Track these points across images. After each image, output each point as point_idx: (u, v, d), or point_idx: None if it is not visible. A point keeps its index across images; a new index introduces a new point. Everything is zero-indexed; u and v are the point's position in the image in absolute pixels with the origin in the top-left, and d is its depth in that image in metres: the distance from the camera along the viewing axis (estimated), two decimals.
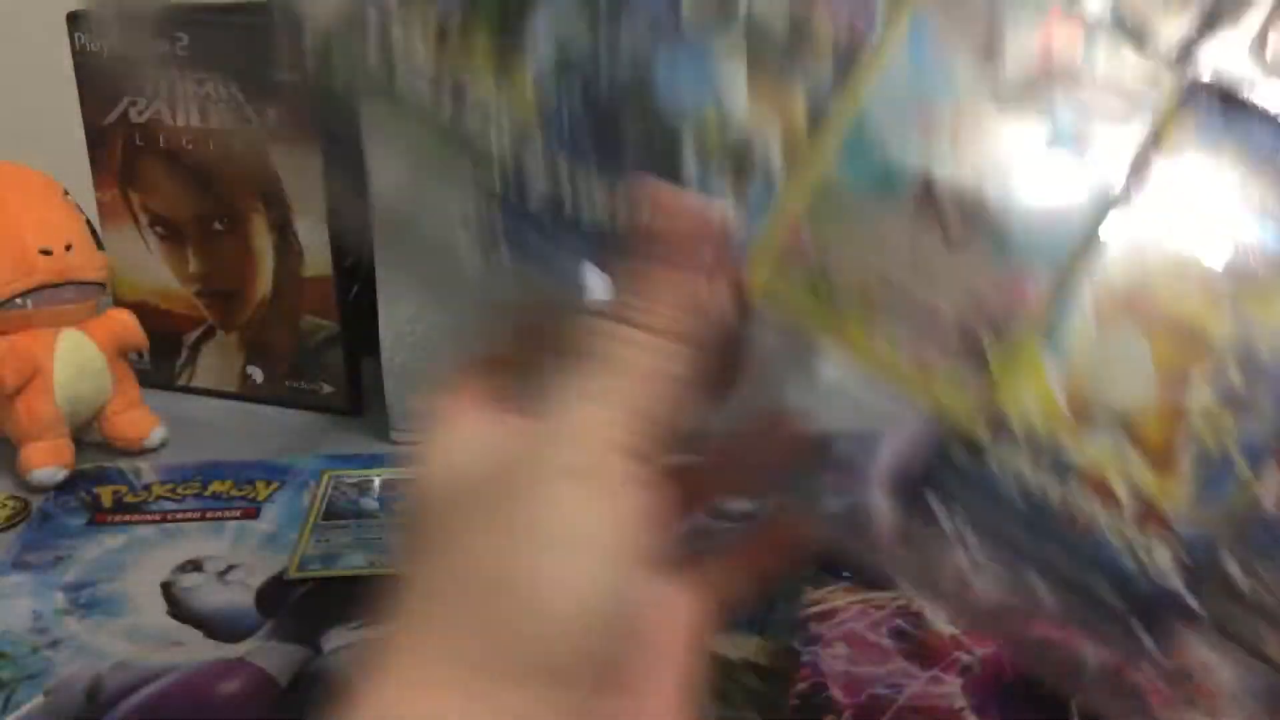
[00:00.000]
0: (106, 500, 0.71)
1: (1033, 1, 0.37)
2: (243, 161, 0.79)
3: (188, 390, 0.86)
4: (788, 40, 0.37)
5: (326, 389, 0.83)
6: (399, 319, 0.75)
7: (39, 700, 0.53)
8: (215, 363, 0.86)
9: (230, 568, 0.64)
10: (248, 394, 0.85)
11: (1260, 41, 0.36)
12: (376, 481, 0.73)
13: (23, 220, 0.73)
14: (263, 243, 0.81)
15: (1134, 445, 0.35)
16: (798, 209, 0.36)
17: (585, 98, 0.38)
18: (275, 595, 0.61)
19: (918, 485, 0.36)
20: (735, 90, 0.37)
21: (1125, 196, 0.36)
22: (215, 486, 0.71)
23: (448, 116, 0.38)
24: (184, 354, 0.86)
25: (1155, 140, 0.36)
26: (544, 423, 0.33)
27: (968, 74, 0.36)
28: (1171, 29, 0.36)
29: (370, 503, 0.71)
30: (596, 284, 0.38)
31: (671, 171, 0.37)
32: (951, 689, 0.55)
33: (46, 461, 0.73)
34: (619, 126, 0.37)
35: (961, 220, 0.36)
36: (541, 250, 0.38)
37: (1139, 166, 0.36)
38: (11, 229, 0.73)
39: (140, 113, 0.81)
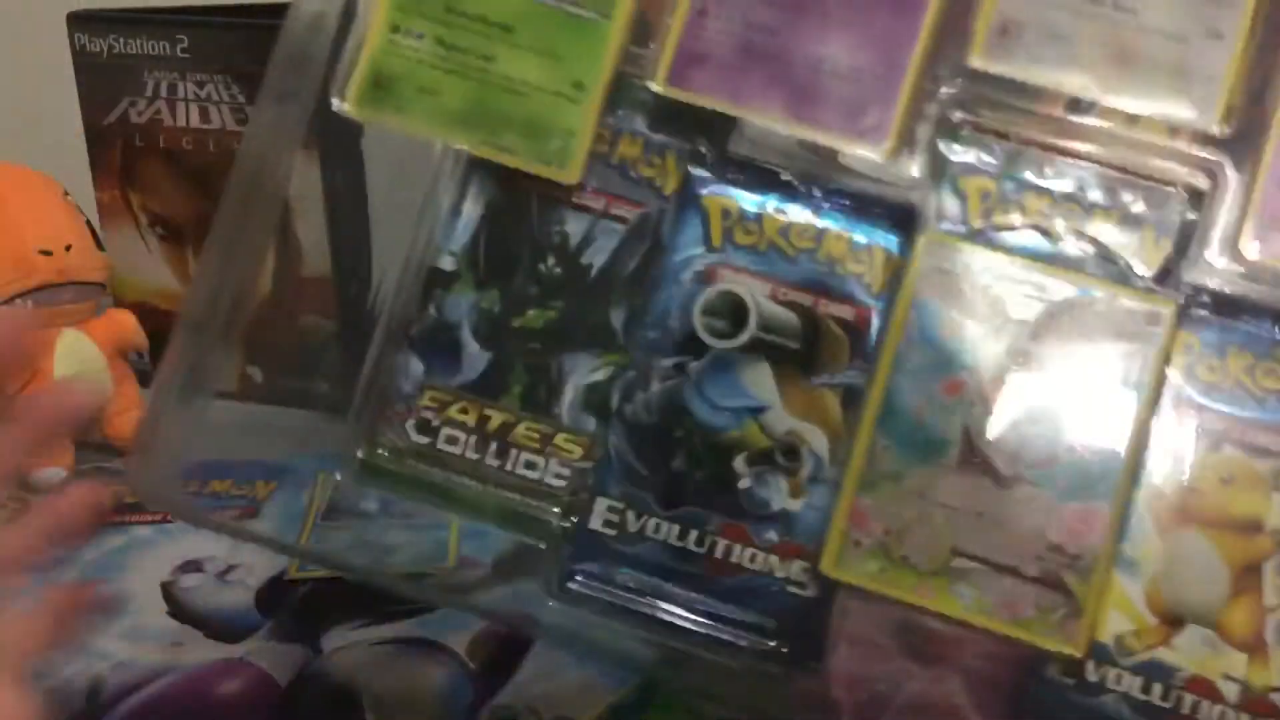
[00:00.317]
0: (107, 500, 0.70)
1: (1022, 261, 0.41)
2: None
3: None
4: (803, 342, 0.41)
5: (326, 389, 0.80)
6: None
7: (39, 700, 0.53)
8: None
9: (230, 568, 0.64)
10: (247, 394, 0.84)
11: (1233, 242, 0.40)
12: None
13: (23, 221, 0.73)
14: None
15: (1225, 639, 0.39)
16: (854, 491, 0.40)
17: (630, 435, 0.42)
18: (275, 595, 0.61)
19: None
20: (771, 400, 0.41)
21: (1150, 414, 0.40)
22: (215, 486, 0.70)
23: (495, 468, 0.42)
24: None
25: (1167, 361, 0.40)
26: None
27: (981, 337, 0.41)
28: (1153, 258, 0.41)
29: (369, 503, 0.70)
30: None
31: (727, 482, 0.41)
32: (953, 687, 0.56)
33: (46, 462, 0.71)
34: (667, 455, 0.42)
35: (1008, 463, 0.40)
36: (608, 571, 0.42)
37: (1156, 384, 0.40)
38: (11, 229, 0.72)
39: (140, 113, 0.80)
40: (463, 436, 0.42)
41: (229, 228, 0.43)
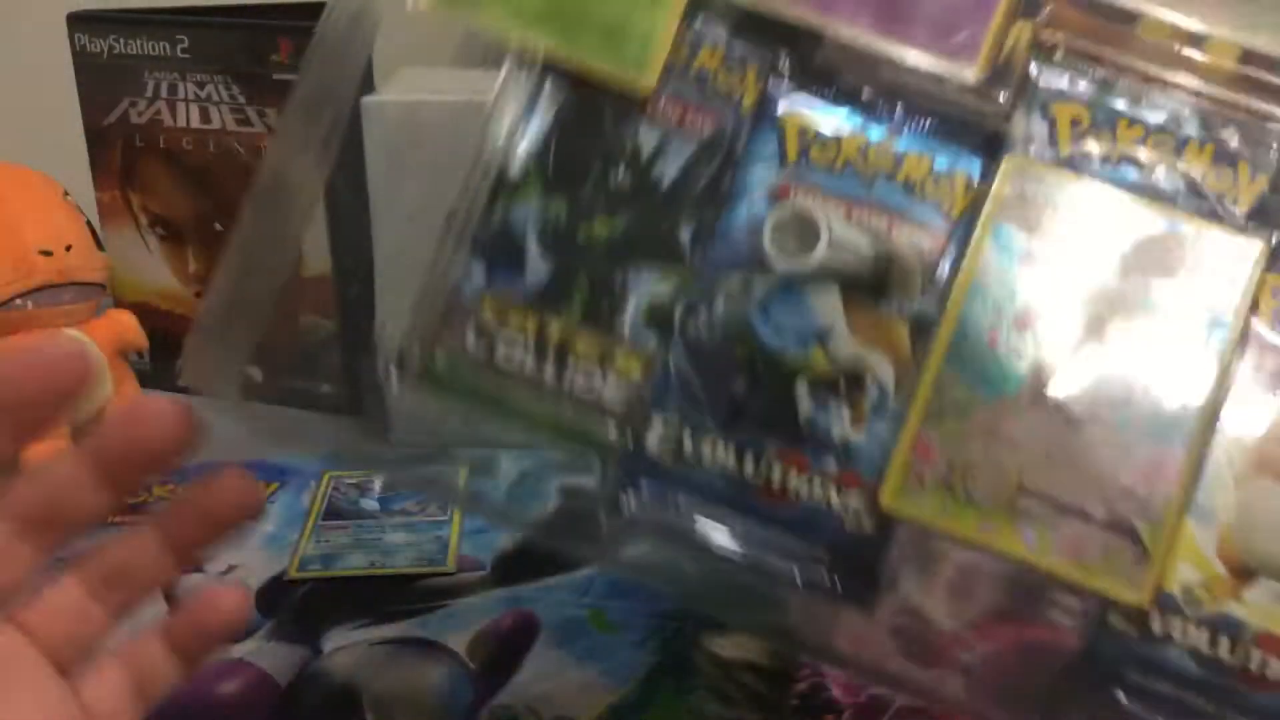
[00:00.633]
0: None
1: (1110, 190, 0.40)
2: (242, 161, 0.79)
3: (188, 390, 0.84)
4: (874, 267, 0.39)
5: (326, 389, 0.82)
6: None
7: None
8: None
9: (230, 568, 0.64)
10: (248, 394, 0.85)
11: None
12: (376, 482, 0.73)
13: (23, 221, 0.73)
14: None
15: None
16: (919, 424, 0.39)
17: (690, 354, 0.40)
18: (275, 595, 0.61)
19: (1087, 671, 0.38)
20: (837, 326, 0.40)
21: (1232, 358, 0.38)
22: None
23: (552, 381, 0.41)
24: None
25: (1253, 305, 0.39)
26: None
27: (1061, 270, 0.39)
28: (1246, 195, 0.39)
29: (370, 503, 0.71)
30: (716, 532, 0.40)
31: (787, 408, 0.40)
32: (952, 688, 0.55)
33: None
34: (727, 377, 0.40)
35: (1081, 401, 0.38)
36: (662, 493, 0.41)
37: (1241, 326, 0.39)
38: (12, 230, 0.72)
39: (140, 113, 0.80)
40: (521, 346, 0.42)
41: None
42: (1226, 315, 0.39)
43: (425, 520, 0.68)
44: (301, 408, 0.82)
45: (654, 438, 0.41)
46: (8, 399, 0.34)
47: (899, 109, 0.41)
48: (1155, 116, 0.40)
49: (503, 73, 0.43)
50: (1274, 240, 0.39)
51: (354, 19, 0.42)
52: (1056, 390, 0.39)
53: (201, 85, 0.78)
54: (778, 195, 0.41)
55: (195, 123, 0.79)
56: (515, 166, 0.43)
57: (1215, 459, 0.39)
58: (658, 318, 0.41)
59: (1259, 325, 0.39)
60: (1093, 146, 0.40)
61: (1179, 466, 0.38)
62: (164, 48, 0.78)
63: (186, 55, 0.78)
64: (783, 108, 0.42)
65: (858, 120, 0.42)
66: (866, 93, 0.42)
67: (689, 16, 0.42)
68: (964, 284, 0.40)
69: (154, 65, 0.79)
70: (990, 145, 0.41)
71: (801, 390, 0.40)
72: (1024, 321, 0.39)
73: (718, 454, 0.40)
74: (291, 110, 0.42)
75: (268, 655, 0.56)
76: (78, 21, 0.80)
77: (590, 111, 0.43)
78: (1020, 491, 0.39)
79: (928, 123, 0.41)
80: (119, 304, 0.83)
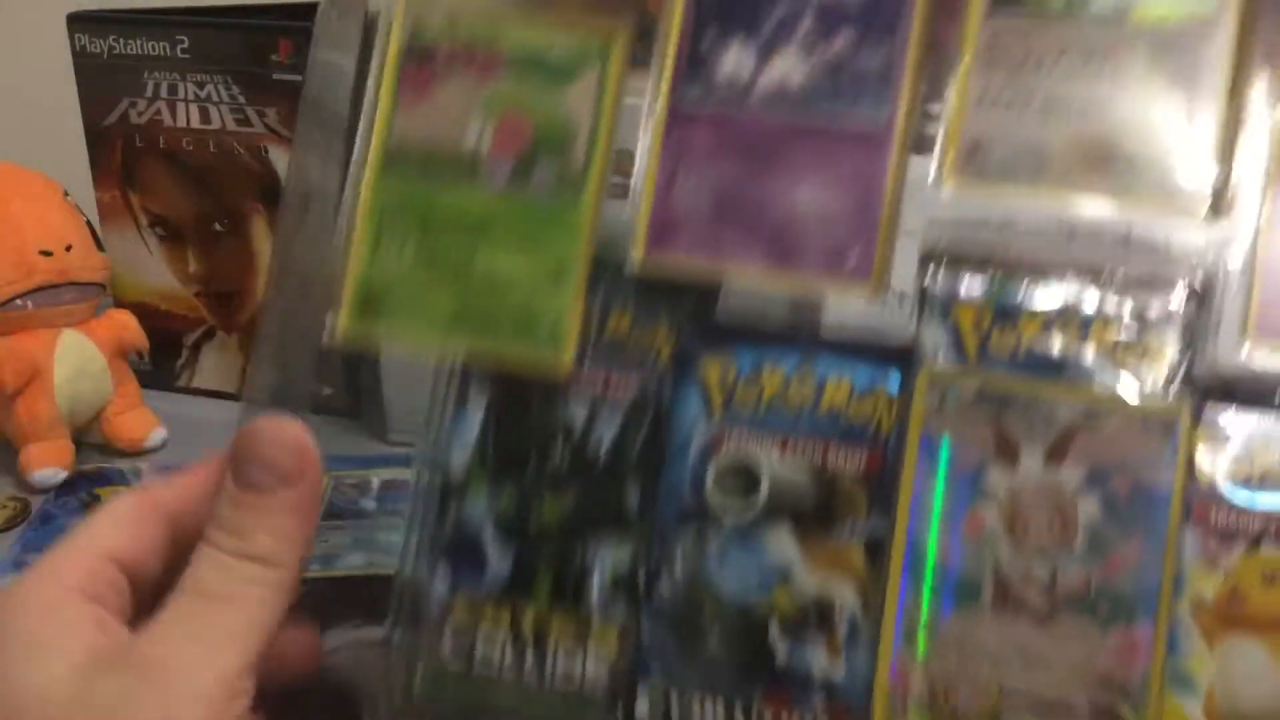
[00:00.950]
0: (107, 501, 0.70)
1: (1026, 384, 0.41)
2: (242, 162, 0.79)
3: (188, 391, 0.85)
4: (818, 497, 0.41)
5: (326, 389, 0.82)
6: None
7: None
8: (215, 363, 0.85)
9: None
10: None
11: (1244, 326, 0.39)
12: (375, 481, 0.72)
13: (23, 221, 0.73)
14: (263, 243, 0.80)
15: None
16: (891, 648, 0.40)
17: (661, 618, 0.42)
18: None
19: None
20: (795, 563, 0.41)
21: (1180, 523, 0.39)
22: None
23: (533, 674, 0.42)
24: (184, 354, 0.86)
25: (1189, 464, 0.39)
26: (147, 654, 0.33)
27: (997, 473, 0.40)
28: (1159, 362, 0.40)
29: (369, 503, 0.70)
30: None
31: (765, 653, 0.41)
32: None
33: (47, 462, 0.72)
34: (701, 634, 0.41)
35: (1043, 597, 0.39)
36: None
37: (1182, 492, 0.39)
38: (12, 230, 0.73)
39: (140, 113, 0.81)
40: (498, 643, 0.43)
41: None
42: (1167, 484, 0.39)
43: None
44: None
45: (643, 707, 0.42)
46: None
47: (807, 341, 0.42)
48: (1053, 302, 0.41)
49: (430, 385, 0.44)
50: (1198, 399, 0.40)
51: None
52: (1017, 591, 0.40)
53: (201, 85, 0.78)
54: (712, 448, 0.42)
55: (195, 123, 0.79)
56: (457, 467, 0.44)
57: (1184, 626, 0.39)
58: (623, 586, 0.43)
59: (1202, 484, 0.40)
60: (999, 343, 0.41)
61: (1150, 643, 0.39)
62: (164, 48, 0.78)
63: (186, 55, 0.78)
64: (699, 359, 0.43)
65: (772, 354, 0.43)
66: (774, 327, 0.43)
67: (591, 289, 0.43)
68: (905, 501, 0.41)
69: (154, 65, 0.79)
70: (902, 358, 0.42)
71: (774, 633, 0.41)
72: (973, 527, 0.40)
73: (707, 712, 0.41)
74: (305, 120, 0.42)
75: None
76: (78, 21, 0.81)
77: (518, 399, 0.44)
78: (1003, 696, 0.39)
79: (839, 348, 0.42)
80: (119, 304, 0.83)
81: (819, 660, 0.41)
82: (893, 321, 0.42)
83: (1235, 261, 0.40)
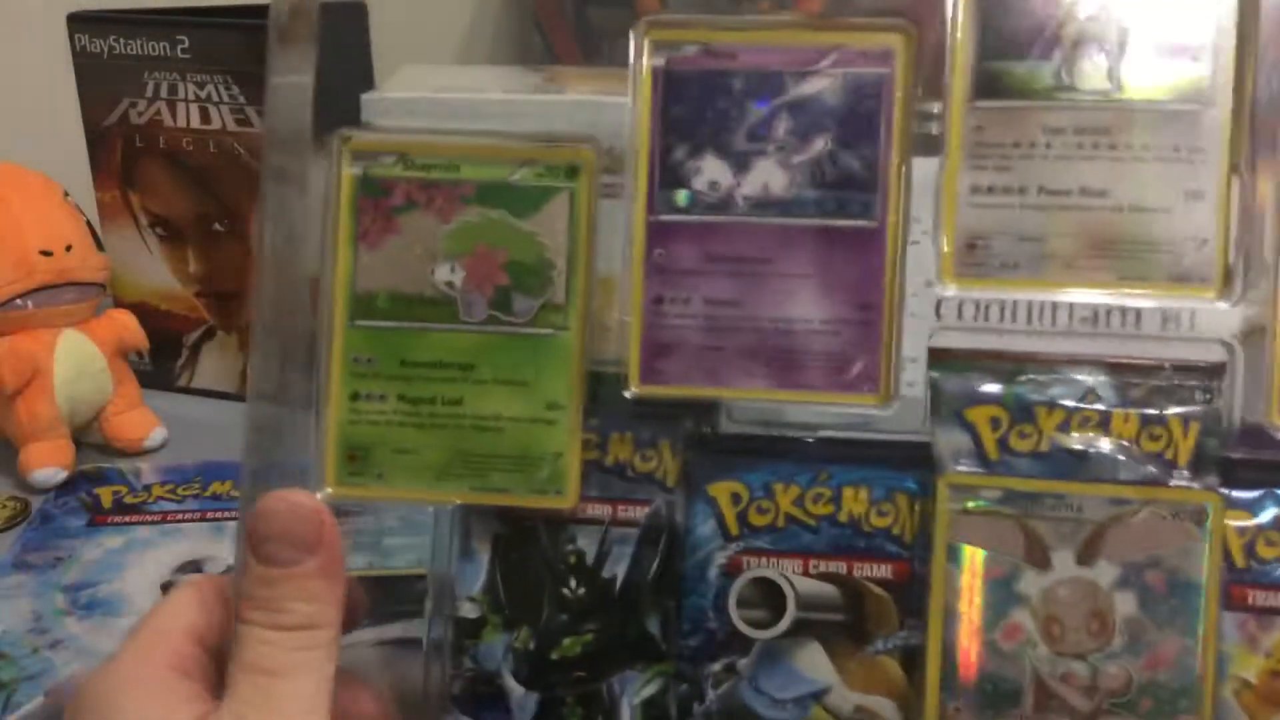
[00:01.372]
0: (106, 501, 0.69)
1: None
2: (242, 162, 0.78)
3: (188, 390, 0.85)
4: (847, 612, 0.40)
5: None
6: None
7: (39, 700, 0.53)
8: (215, 363, 0.85)
9: (231, 568, 0.64)
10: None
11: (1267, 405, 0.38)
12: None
13: (23, 221, 0.73)
14: None
15: None
16: None
17: None
18: None
19: None
20: (831, 681, 0.40)
21: (1216, 610, 0.39)
22: (215, 487, 0.70)
23: None
24: (184, 354, 0.86)
25: (1222, 551, 0.39)
26: None
27: (1030, 577, 0.39)
28: (1185, 448, 0.39)
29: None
30: None
31: None
32: None
33: (46, 462, 0.72)
34: None
35: (1085, 698, 0.38)
36: None
37: (1216, 580, 0.39)
38: (12, 230, 0.72)
39: (140, 113, 0.80)
40: None
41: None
42: (1200, 574, 0.39)
43: (425, 519, 0.68)
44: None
45: None
46: None
47: (820, 450, 0.41)
48: (1071, 395, 0.39)
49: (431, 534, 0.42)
50: (1223, 483, 0.39)
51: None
52: (1059, 695, 0.39)
53: (201, 85, 0.78)
54: (731, 569, 0.41)
55: (195, 123, 0.79)
56: (469, 609, 0.43)
57: (1229, 710, 0.39)
58: (655, 717, 0.41)
59: (1236, 566, 0.39)
60: (1019, 442, 0.40)
61: None
62: (164, 48, 0.78)
63: (186, 55, 0.78)
64: (709, 481, 0.41)
65: (784, 472, 0.41)
66: (783, 444, 0.41)
67: (587, 419, 0.41)
68: (936, 611, 0.40)
69: (154, 65, 0.79)
70: (920, 460, 0.40)
71: None
72: (1010, 635, 0.39)
73: None
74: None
75: None
76: (78, 21, 0.81)
77: (524, 537, 0.42)
78: None
79: (853, 456, 0.41)
80: (119, 304, 0.83)
81: None
82: (907, 426, 0.40)
83: (1253, 338, 0.39)
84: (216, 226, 0.81)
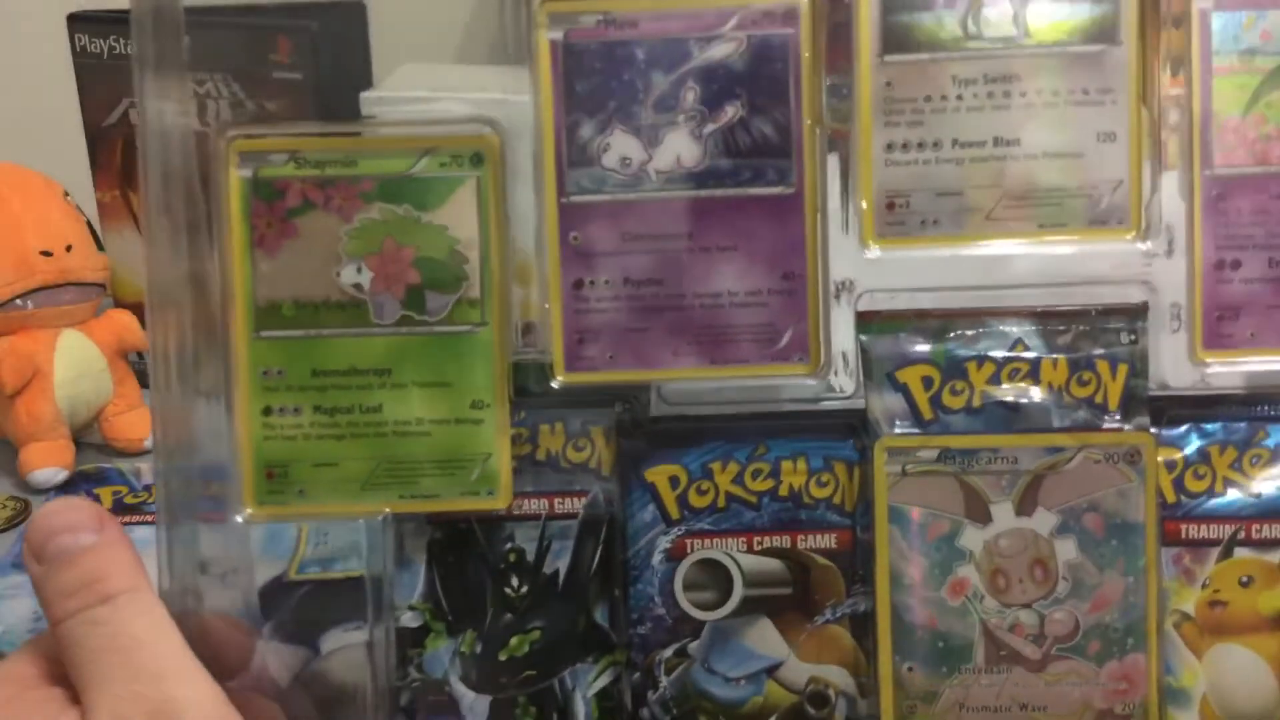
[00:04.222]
0: (106, 501, 0.69)
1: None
2: None
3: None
4: (794, 585, 0.40)
5: None
6: None
7: None
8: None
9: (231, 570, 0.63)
10: None
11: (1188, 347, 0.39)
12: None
13: (23, 221, 0.73)
14: None
15: None
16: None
17: None
18: (275, 596, 0.58)
19: None
20: (782, 655, 0.40)
21: (1157, 548, 0.39)
22: (214, 489, 0.70)
23: None
24: None
25: (1156, 490, 0.39)
26: None
27: (971, 532, 0.39)
28: (1115, 391, 0.39)
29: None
30: None
31: None
32: None
33: (46, 462, 0.72)
34: None
35: (1034, 645, 0.39)
36: None
37: (1155, 518, 0.39)
38: (12, 230, 0.73)
39: None
40: None
41: None
42: (1138, 514, 0.39)
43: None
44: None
45: None
46: None
47: (753, 426, 0.40)
48: (1001, 343, 0.39)
49: (363, 544, 0.41)
50: (1154, 423, 0.39)
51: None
52: (1008, 645, 0.39)
53: (201, 85, 0.76)
54: (676, 553, 0.40)
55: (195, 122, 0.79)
56: (410, 618, 0.41)
57: (1172, 641, 0.40)
58: (610, 708, 0.41)
59: (1170, 503, 0.40)
60: (952, 400, 0.39)
61: (1144, 670, 0.39)
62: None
63: (186, 55, 0.76)
64: (645, 467, 0.40)
65: (720, 449, 0.40)
66: (716, 421, 0.40)
67: (514, 413, 0.40)
68: (883, 572, 0.40)
69: None
70: (856, 427, 0.40)
71: None
72: (956, 591, 0.39)
73: None
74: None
75: (267, 655, 0.57)
76: (78, 21, 0.80)
77: (461, 540, 0.41)
78: None
79: (788, 428, 0.40)
80: (119, 304, 0.82)
81: None
82: (840, 392, 0.40)
83: (1176, 281, 0.39)
84: None
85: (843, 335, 0.40)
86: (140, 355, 0.80)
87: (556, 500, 0.41)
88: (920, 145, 0.39)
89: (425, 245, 0.40)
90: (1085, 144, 0.39)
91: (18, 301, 0.72)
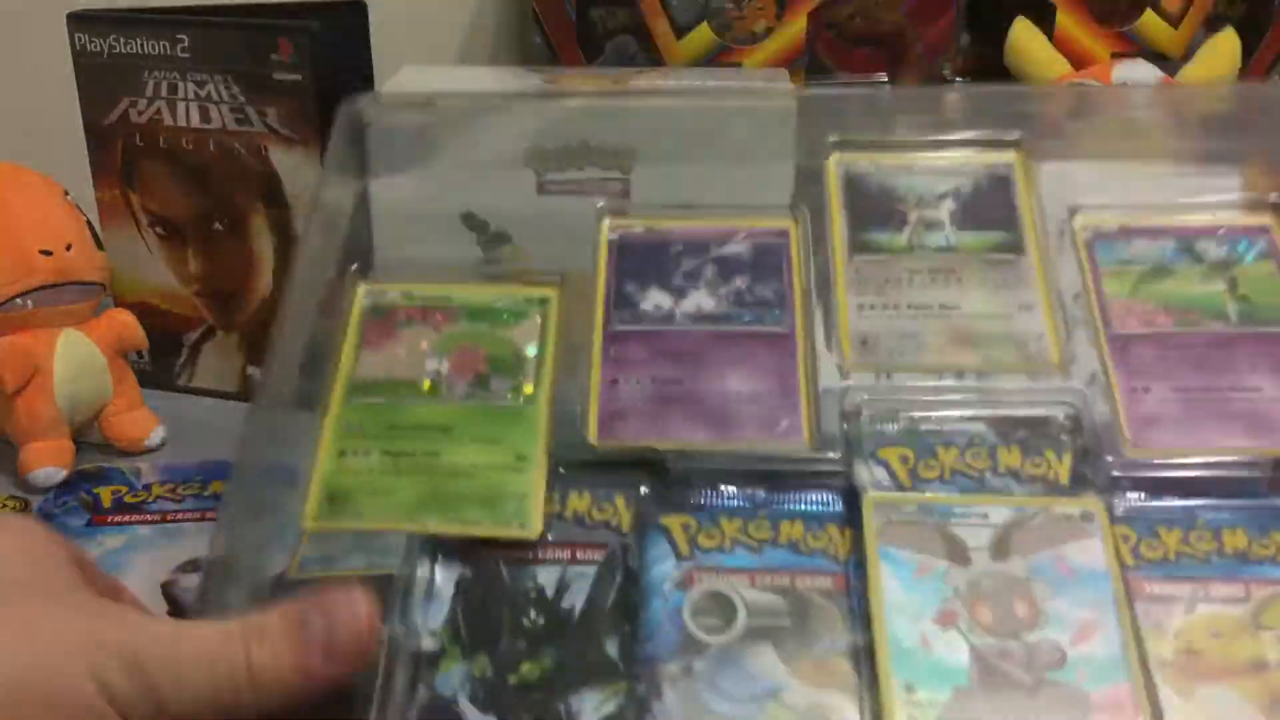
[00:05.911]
0: (106, 500, 0.69)
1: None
2: (243, 161, 0.77)
3: (188, 390, 0.84)
4: (794, 618, 0.44)
5: None
6: None
7: None
8: (215, 363, 0.83)
9: None
10: (248, 394, 0.81)
11: (1118, 444, 0.47)
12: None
13: (23, 221, 0.72)
14: (263, 243, 0.79)
15: None
16: None
17: None
18: (276, 595, 0.50)
19: None
20: (784, 680, 0.42)
21: (1126, 594, 0.43)
22: (215, 487, 0.70)
23: None
24: (184, 354, 0.84)
25: (1115, 548, 0.44)
26: None
27: (955, 572, 0.44)
28: (1063, 471, 0.47)
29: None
30: None
31: None
32: None
33: (46, 461, 0.71)
34: None
35: (1024, 669, 0.42)
36: None
37: (1118, 570, 0.44)
38: (12, 230, 0.71)
39: (140, 113, 0.79)
40: None
41: None
42: (1102, 564, 0.44)
43: None
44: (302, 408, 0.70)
45: None
46: None
47: (758, 491, 0.46)
48: (962, 438, 0.47)
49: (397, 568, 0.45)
50: (1104, 501, 0.45)
51: None
52: (999, 669, 0.41)
53: (201, 85, 0.76)
54: (685, 583, 0.44)
55: (195, 122, 0.77)
56: (429, 642, 0.43)
57: (1159, 684, 0.41)
58: None
59: (1129, 564, 0.44)
60: (926, 472, 0.46)
61: (1134, 695, 0.41)
62: (164, 47, 0.76)
63: (186, 55, 0.76)
64: (659, 517, 0.46)
65: (727, 507, 0.46)
66: (724, 487, 0.47)
67: (552, 472, 0.47)
68: (878, 605, 0.43)
69: (154, 65, 0.77)
70: (846, 492, 0.46)
71: None
72: (946, 619, 0.42)
73: None
74: None
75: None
76: (78, 21, 0.78)
77: (487, 573, 0.45)
78: None
79: (787, 492, 0.46)
80: (119, 303, 0.81)
81: None
82: (830, 465, 0.47)
83: (1099, 405, 0.48)
84: (216, 226, 0.81)
85: (830, 423, 0.48)
86: (140, 355, 0.81)
87: (578, 550, 0.45)
88: (884, 306, 0.51)
89: (495, 349, 0.50)
90: (1009, 310, 0.51)
91: (18, 301, 0.72)
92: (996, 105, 0.57)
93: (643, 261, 0.53)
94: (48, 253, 0.73)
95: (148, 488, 0.73)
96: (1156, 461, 0.46)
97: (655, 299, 0.52)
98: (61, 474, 0.73)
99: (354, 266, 0.52)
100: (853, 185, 0.55)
